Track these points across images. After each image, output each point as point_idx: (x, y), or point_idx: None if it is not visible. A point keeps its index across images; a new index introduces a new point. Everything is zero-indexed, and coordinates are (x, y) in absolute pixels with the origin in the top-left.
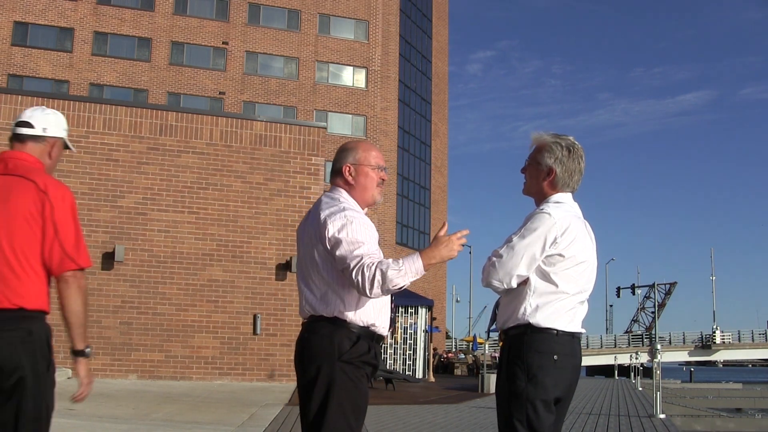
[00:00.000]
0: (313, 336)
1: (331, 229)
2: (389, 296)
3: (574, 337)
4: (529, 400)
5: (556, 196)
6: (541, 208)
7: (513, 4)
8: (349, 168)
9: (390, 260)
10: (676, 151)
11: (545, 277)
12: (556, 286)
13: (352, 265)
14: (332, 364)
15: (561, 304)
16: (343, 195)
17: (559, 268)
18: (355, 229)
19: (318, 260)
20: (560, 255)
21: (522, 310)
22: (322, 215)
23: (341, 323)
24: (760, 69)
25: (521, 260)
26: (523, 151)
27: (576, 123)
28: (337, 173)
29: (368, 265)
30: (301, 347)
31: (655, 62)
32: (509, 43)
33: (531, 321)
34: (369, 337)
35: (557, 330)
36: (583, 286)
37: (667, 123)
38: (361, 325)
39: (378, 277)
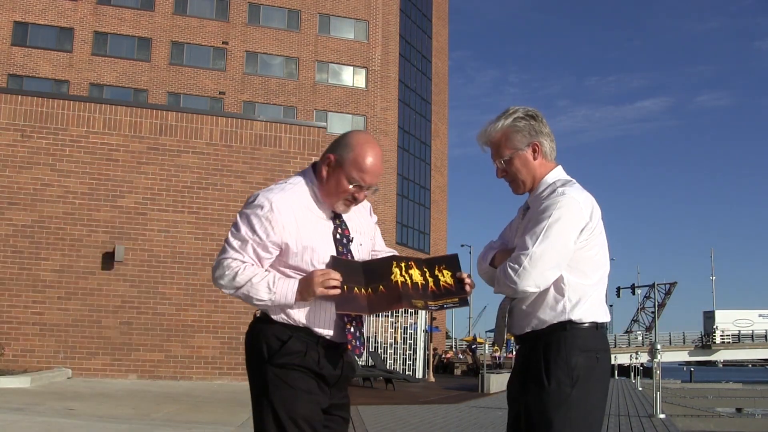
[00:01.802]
0: (246, 336)
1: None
2: (333, 314)
3: (606, 327)
4: (576, 406)
5: (556, 173)
6: (557, 191)
7: (462, 16)
8: (330, 161)
9: (265, 280)
10: (655, 153)
11: (577, 268)
12: (587, 275)
13: (222, 250)
14: (262, 367)
15: (596, 295)
16: (306, 183)
17: (590, 255)
18: (249, 213)
19: None
20: (589, 241)
21: (560, 307)
22: None
23: (269, 320)
24: (711, 77)
25: (556, 255)
26: (489, 156)
27: None
28: (322, 158)
29: (235, 264)
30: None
31: (608, 71)
32: (463, 54)
33: (573, 318)
34: (307, 339)
35: (597, 323)
36: (606, 270)
37: (628, 129)
38: (291, 324)
39: (231, 277)
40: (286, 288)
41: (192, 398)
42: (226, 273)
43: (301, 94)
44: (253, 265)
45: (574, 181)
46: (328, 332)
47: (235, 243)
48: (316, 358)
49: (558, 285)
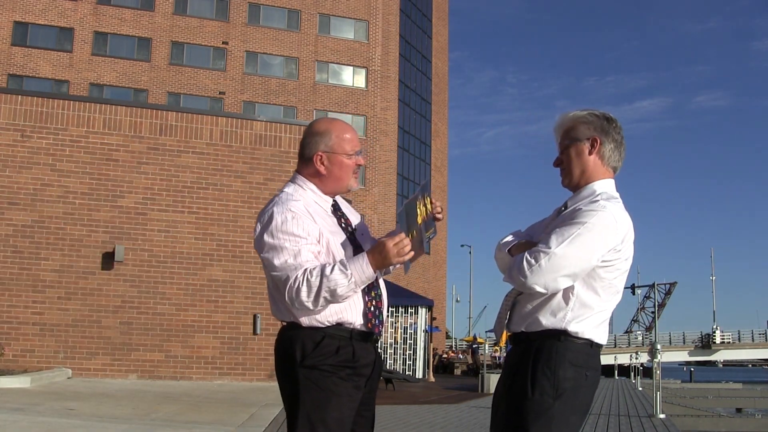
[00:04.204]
0: (277, 344)
1: (258, 230)
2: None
3: (601, 349)
4: (555, 420)
5: (605, 184)
6: (599, 203)
7: (460, 17)
8: (321, 157)
9: (336, 267)
10: (653, 153)
11: (590, 285)
12: (599, 295)
13: (282, 277)
14: (294, 372)
15: (600, 315)
16: (299, 187)
17: (608, 278)
18: (281, 227)
19: (263, 261)
20: (612, 264)
21: (560, 316)
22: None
23: (299, 326)
24: (709, 78)
25: (575, 265)
26: (490, 155)
27: (539, 129)
28: (306, 161)
29: (300, 276)
30: (274, 357)
31: (606, 71)
32: (461, 54)
33: (569, 329)
34: (341, 336)
35: (593, 342)
36: (619, 298)
37: (627, 129)
38: (322, 326)
39: (316, 288)
40: (359, 265)
41: (192, 398)
42: (302, 289)
43: (301, 94)
44: (315, 264)
45: (620, 199)
46: (359, 323)
47: (288, 260)
48: (350, 353)
49: (566, 294)
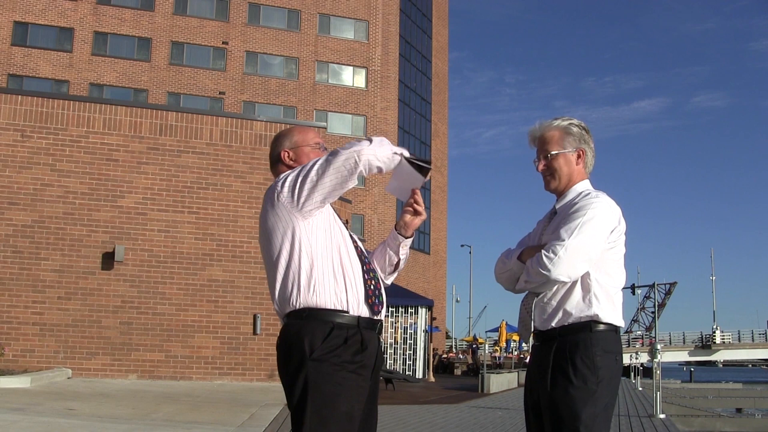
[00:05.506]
0: (281, 339)
1: (279, 186)
2: (359, 270)
3: (620, 333)
4: (599, 402)
5: (585, 184)
6: (591, 196)
7: (458, 17)
8: (288, 153)
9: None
10: (647, 154)
11: (602, 268)
12: (611, 276)
13: (345, 164)
14: (302, 366)
15: (617, 299)
16: None
17: (615, 259)
18: (303, 167)
19: (266, 245)
20: (617, 243)
21: (586, 302)
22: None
23: (309, 314)
24: (707, 78)
25: (589, 250)
26: (487, 156)
27: None
28: (276, 161)
29: (342, 154)
30: (277, 353)
31: (604, 72)
32: (459, 55)
33: (598, 313)
34: (349, 326)
35: (616, 327)
36: (624, 280)
37: (625, 129)
38: (328, 308)
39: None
40: (381, 140)
41: (192, 398)
42: (351, 157)
43: (301, 94)
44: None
45: (603, 192)
46: (362, 302)
47: (323, 162)
48: (359, 342)
49: (585, 281)
